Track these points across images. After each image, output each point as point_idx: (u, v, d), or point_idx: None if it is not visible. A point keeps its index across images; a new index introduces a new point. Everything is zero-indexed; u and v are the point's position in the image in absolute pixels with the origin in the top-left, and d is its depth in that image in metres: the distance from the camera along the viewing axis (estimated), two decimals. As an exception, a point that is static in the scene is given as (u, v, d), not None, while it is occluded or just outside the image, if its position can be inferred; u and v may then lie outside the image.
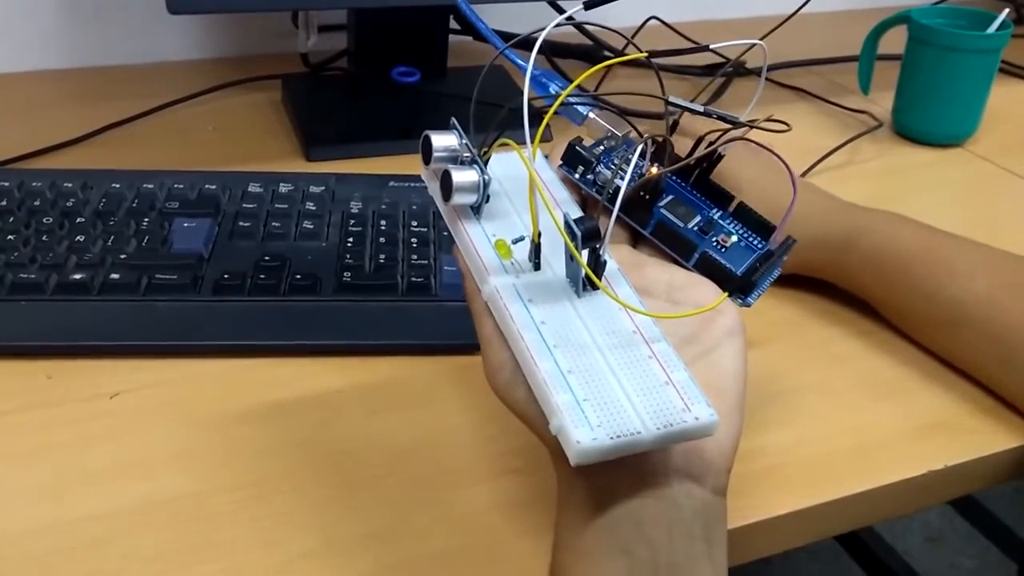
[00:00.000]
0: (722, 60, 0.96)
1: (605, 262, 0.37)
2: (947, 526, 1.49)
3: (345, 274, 0.58)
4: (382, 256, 0.60)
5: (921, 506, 0.53)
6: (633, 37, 0.97)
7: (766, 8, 1.04)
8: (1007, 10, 0.81)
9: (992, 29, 0.81)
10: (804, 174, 0.77)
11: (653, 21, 0.92)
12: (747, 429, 0.49)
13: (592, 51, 0.96)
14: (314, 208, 0.64)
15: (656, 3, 0.92)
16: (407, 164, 0.74)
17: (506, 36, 0.96)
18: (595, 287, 0.37)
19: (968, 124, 0.86)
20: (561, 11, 0.91)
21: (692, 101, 0.42)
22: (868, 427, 0.53)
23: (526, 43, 0.39)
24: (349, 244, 0.61)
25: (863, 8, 1.22)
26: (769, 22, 0.88)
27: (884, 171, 0.83)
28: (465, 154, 0.39)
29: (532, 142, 0.36)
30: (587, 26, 0.95)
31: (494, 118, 0.38)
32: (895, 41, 0.87)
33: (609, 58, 0.69)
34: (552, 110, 0.37)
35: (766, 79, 0.98)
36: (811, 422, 0.53)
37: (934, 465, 0.50)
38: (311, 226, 0.62)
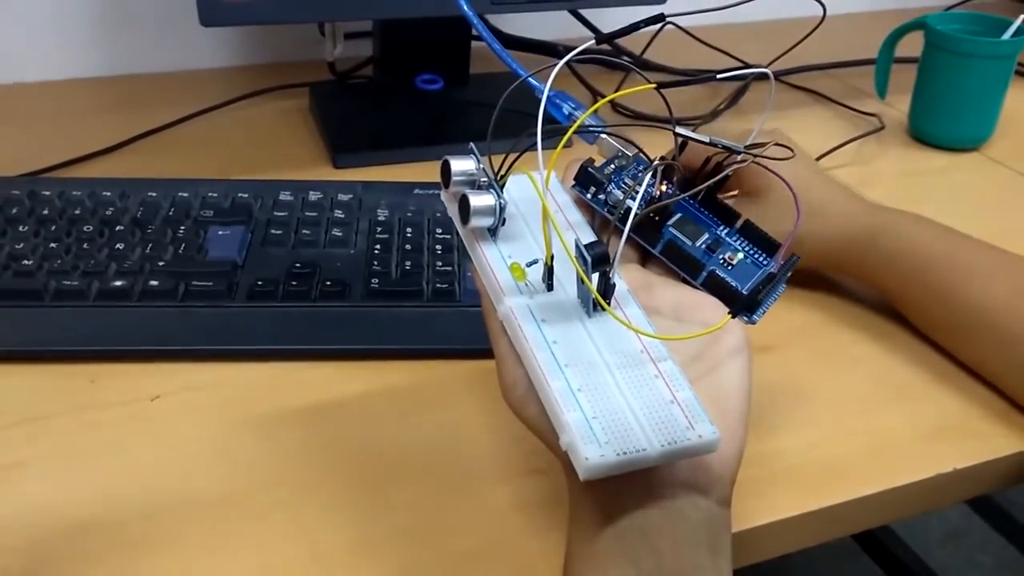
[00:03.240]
0: (739, 65, 0.97)
1: (615, 285, 0.39)
2: (965, 523, 1.49)
3: (373, 280, 0.60)
4: (408, 263, 0.62)
5: (933, 507, 0.54)
6: (649, 44, 0.99)
7: (786, 10, 1.05)
8: (1022, 16, 0.82)
9: (1008, 35, 0.82)
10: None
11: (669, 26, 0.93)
12: (763, 432, 0.51)
13: (610, 55, 0.97)
14: (343, 216, 0.66)
15: (673, 6, 0.93)
16: (431, 171, 0.75)
17: (525, 42, 0.98)
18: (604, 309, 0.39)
19: (984, 128, 0.86)
20: (585, 22, 0.93)
21: (712, 110, 0.43)
22: (882, 430, 0.54)
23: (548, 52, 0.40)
24: (376, 251, 0.63)
25: (882, 10, 1.22)
26: (787, 25, 0.89)
27: (900, 175, 0.83)
28: (482, 178, 0.41)
29: (546, 169, 0.38)
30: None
31: (512, 142, 0.40)
32: (914, 43, 0.87)
33: (627, 64, 0.71)
34: (565, 138, 0.38)
35: (782, 81, 0.98)
36: (826, 425, 0.54)
37: (943, 468, 0.51)
38: (340, 234, 0.64)
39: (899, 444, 0.53)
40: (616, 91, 0.92)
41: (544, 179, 0.38)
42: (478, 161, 0.41)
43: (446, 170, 0.41)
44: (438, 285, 0.60)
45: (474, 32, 0.91)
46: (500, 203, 0.40)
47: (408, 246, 0.63)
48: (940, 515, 1.51)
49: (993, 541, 1.42)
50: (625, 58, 0.97)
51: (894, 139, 0.88)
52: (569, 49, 1.01)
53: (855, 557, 1.32)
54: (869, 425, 0.54)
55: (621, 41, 0.97)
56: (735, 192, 0.59)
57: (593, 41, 0.39)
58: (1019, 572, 1.40)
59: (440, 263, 0.62)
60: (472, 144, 0.42)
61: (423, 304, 0.59)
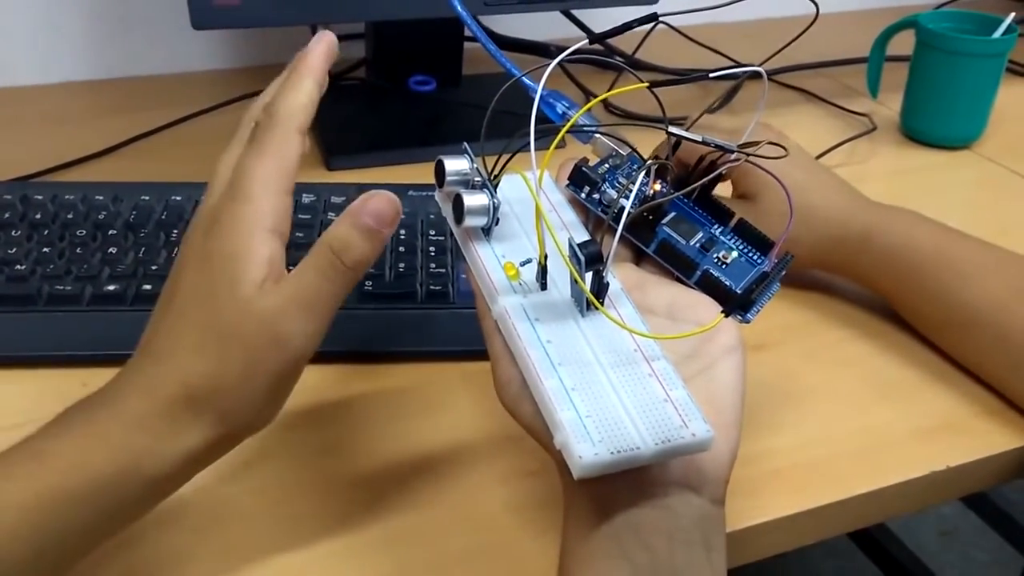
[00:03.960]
0: (732, 64, 0.98)
1: (608, 284, 0.39)
2: (961, 519, 1.50)
3: (366, 283, 0.60)
4: (401, 265, 0.62)
5: (926, 505, 0.55)
6: (640, 44, 0.99)
7: (776, 10, 1.05)
8: (1012, 14, 0.82)
9: (998, 33, 0.82)
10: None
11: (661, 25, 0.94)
12: (757, 432, 0.51)
13: (601, 55, 0.98)
14: (336, 219, 0.66)
15: (665, 6, 0.94)
16: (425, 172, 0.75)
17: (517, 43, 0.98)
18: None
19: (975, 126, 0.87)
20: (577, 22, 0.93)
21: (705, 110, 0.43)
22: (875, 429, 0.54)
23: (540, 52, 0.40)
24: (369, 253, 0.63)
25: (873, 8, 1.22)
26: (777, 24, 0.89)
27: (893, 173, 0.84)
28: (476, 178, 0.41)
29: (539, 168, 0.38)
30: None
31: (505, 142, 0.40)
32: (906, 42, 0.88)
33: (619, 64, 0.71)
34: (558, 137, 0.38)
35: (774, 81, 0.98)
36: (820, 424, 0.54)
37: (937, 466, 0.52)
38: (333, 236, 0.64)
39: (893, 442, 0.53)
40: (608, 91, 0.93)
41: (537, 178, 0.38)
42: (472, 161, 0.41)
43: (440, 170, 0.41)
44: (432, 287, 0.60)
45: (466, 33, 0.91)
46: (494, 202, 0.41)
47: (401, 248, 0.63)
48: (935, 512, 1.52)
49: (988, 537, 1.43)
50: (617, 58, 0.97)
51: (886, 137, 0.89)
52: (561, 49, 1.01)
53: (850, 554, 1.32)
54: (863, 423, 0.54)
55: (613, 41, 0.97)
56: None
57: (586, 41, 0.39)
58: (1014, 568, 1.40)
59: (434, 265, 0.62)
60: (466, 144, 0.42)
61: (417, 306, 0.59)
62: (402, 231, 0.65)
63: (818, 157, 0.81)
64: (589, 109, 0.41)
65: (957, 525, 1.51)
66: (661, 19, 0.39)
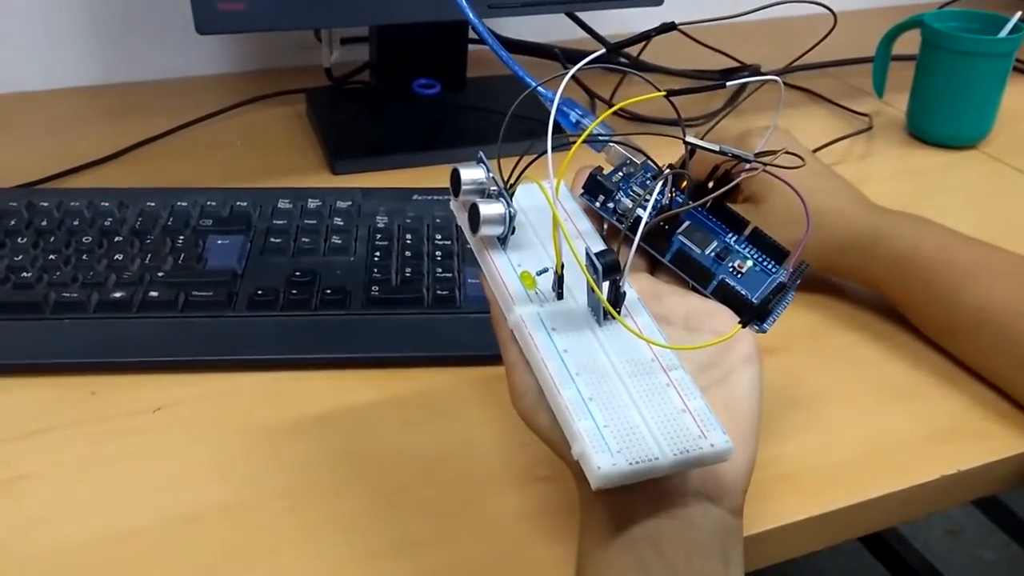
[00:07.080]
0: (742, 67, 0.97)
1: (625, 293, 0.38)
2: (967, 519, 1.50)
3: (373, 288, 0.60)
4: (408, 270, 0.61)
5: (937, 508, 0.54)
6: (645, 47, 0.98)
7: (780, 10, 1.05)
8: (1019, 13, 0.82)
9: (1005, 32, 0.82)
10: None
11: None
12: (767, 437, 0.51)
13: (609, 59, 0.97)
14: (342, 223, 0.66)
15: (668, 8, 0.93)
16: (430, 176, 0.75)
17: (522, 46, 0.98)
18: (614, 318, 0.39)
19: (982, 126, 0.87)
20: (583, 25, 0.92)
21: (714, 113, 0.43)
22: (885, 432, 0.54)
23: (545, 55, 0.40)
24: (376, 258, 0.63)
25: (879, 7, 1.22)
26: (782, 24, 0.89)
27: (899, 173, 0.84)
28: (492, 187, 0.41)
29: (555, 177, 0.38)
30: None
31: (517, 148, 0.40)
32: (912, 41, 0.87)
33: (625, 66, 0.71)
34: (574, 148, 0.38)
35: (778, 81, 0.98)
36: (829, 428, 0.54)
37: (947, 470, 0.51)
38: (339, 241, 0.64)
39: (903, 446, 0.53)
40: (614, 93, 0.92)
41: (554, 187, 0.38)
42: (488, 170, 0.41)
43: (456, 179, 0.41)
44: (438, 292, 0.60)
45: (471, 36, 0.90)
46: (510, 211, 0.40)
47: (408, 253, 0.63)
48: (941, 512, 1.52)
49: (995, 537, 1.43)
50: (624, 61, 0.97)
51: (893, 137, 0.89)
52: (567, 53, 1.01)
53: (857, 554, 1.32)
54: (873, 427, 0.54)
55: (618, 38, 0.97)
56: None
57: (603, 51, 0.38)
58: (1021, 568, 1.40)
59: (440, 269, 0.62)
60: (481, 153, 0.41)
61: (424, 311, 0.59)
62: (408, 236, 0.65)
63: (815, 151, 0.81)
64: (604, 119, 0.41)
65: (964, 524, 1.51)
66: (679, 27, 0.38)
